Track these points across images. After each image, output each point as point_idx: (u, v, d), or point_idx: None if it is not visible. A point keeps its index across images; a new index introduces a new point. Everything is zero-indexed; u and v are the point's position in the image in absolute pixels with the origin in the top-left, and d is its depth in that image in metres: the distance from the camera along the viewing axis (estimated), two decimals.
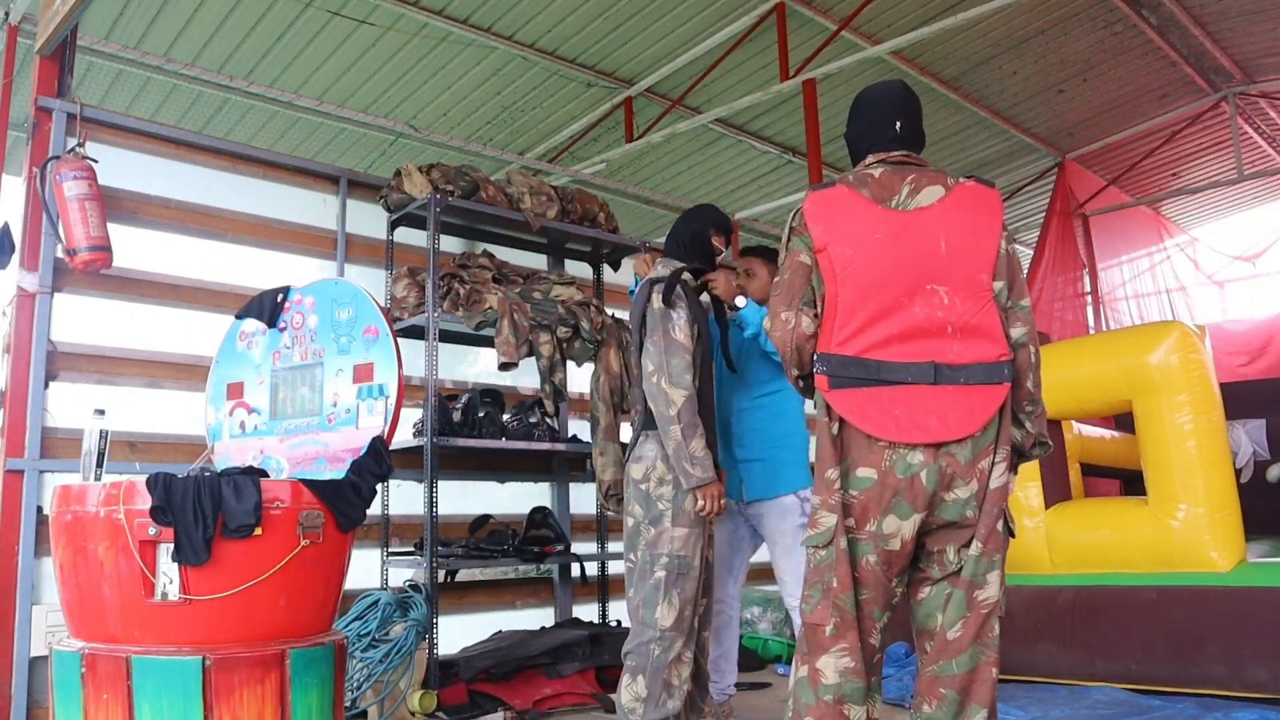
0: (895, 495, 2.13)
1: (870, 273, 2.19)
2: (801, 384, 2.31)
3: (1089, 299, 10.24)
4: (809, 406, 2.69)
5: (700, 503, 2.97)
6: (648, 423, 3.06)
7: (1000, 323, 2.21)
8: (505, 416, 4.57)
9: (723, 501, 3.03)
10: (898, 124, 2.38)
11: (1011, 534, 2.22)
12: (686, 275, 3.17)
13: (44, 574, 3.59)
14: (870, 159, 2.38)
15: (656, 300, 3.05)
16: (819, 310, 2.25)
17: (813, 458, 2.38)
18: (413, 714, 3.74)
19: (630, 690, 2.96)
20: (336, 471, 2.95)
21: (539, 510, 4.65)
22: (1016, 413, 2.27)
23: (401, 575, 4.39)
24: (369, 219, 4.73)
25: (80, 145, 3.80)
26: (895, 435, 2.12)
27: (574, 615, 5.00)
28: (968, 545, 2.17)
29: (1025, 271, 9.91)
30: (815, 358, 2.22)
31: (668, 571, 2.97)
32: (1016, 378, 2.22)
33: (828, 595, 2.15)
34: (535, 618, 4.92)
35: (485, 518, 4.58)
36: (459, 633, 4.52)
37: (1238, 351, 10.10)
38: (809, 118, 7.08)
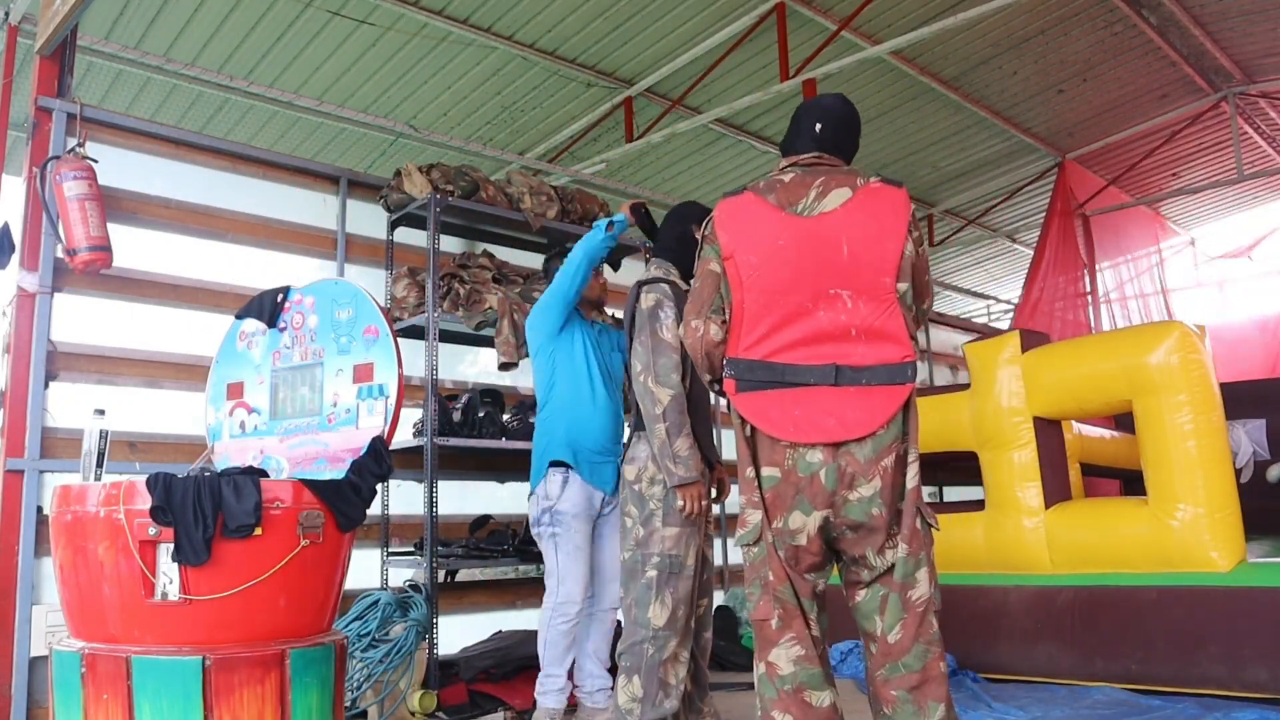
0: (797, 493, 2.19)
1: (774, 279, 2.24)
2: (715, 388, 2.39)
3: (1089, 299, 10.24)
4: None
5: (681, 502, 2.97)
6: (639, 423, 3.09)
7: (905, 324, 2.24)
8: (505, 416, 4.56)
9: (704, 503, 3.04)
10: (817, 126, 2.40)
11: (931, 529, 2.26)
12: (675, 275, 3.21)
13: (44, 574, 3.59)
14: (784, 162, 2.42)
15: (645, 300, 3.08)
16: (727, 317, 2.31)
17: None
18: (413, 714, 3.74)
19: (626, 691, 2.96)
20: (336, 471, 2.95)
21: None
22: None
23: (401, 575, 4.39)
24: (369, 219, 4.73)
25: (80, 145, 3.80)
26: (793, 435, 2.18)
27: None
28: (884, 547, 2.20)
29: (1026, 271, 9.99)
30: (725, 362, 2.29)
31: (659, 571, 2.99)
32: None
33: (767, 589, 2.23)
34: (535, 618, 4.91)
35: (485, 518, 4.58)
36: (459, 633, 4.52)
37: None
38: None
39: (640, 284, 3.14)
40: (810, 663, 2.19)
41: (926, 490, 7.32)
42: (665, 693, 2.95)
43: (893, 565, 2.20)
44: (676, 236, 3.29)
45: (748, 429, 2.26)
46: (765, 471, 2.22)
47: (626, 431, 3.49)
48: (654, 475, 3.03)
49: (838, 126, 2.42)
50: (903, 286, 2.25)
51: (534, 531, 3.55)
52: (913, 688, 2.18)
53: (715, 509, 3.47)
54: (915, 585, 2.19)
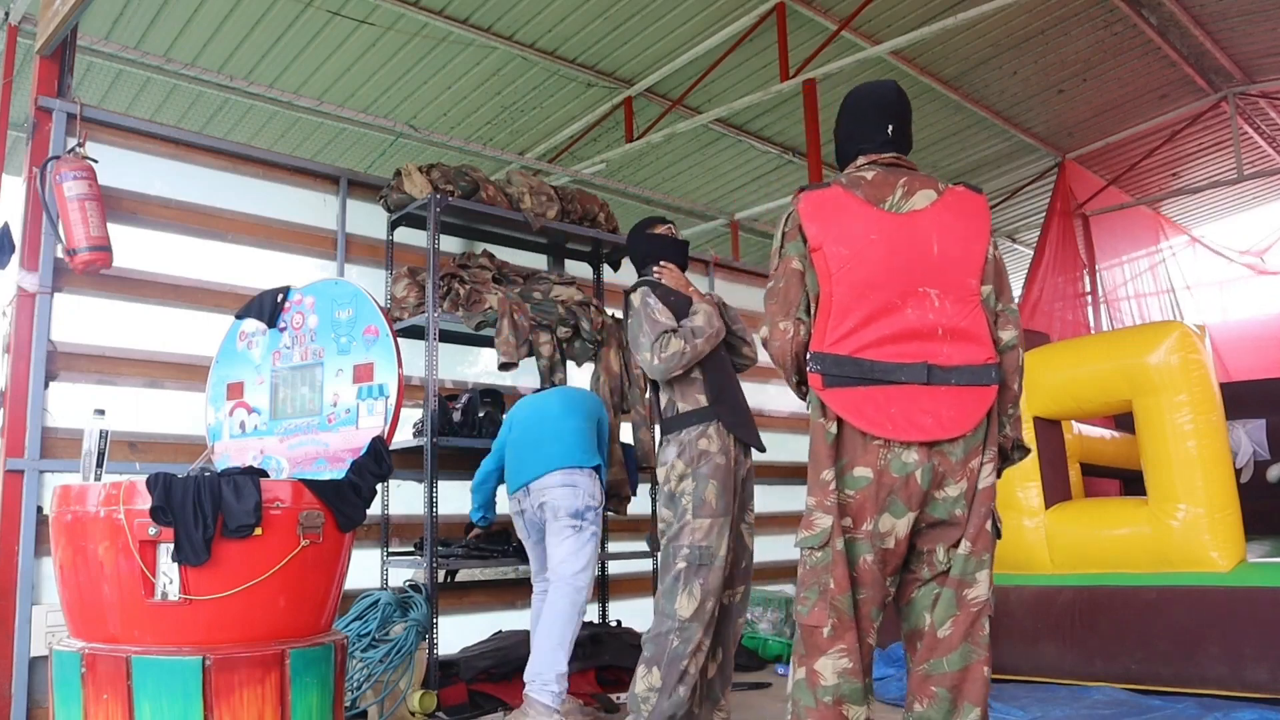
0: (890, 494, 2.14)
1: (865, 273, 2.19)
2: (802, 389, 2.31)
3: (1089, 299, 10.24)
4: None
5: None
6: (667, 426, 3.18)
7: (988, 326, 2.24)
8: (505, 416, 4.56)
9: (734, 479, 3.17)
10: (889, 127, 2.38)
11: (998, 534, 2.24)
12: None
13: (44, 574, 3.59)
14: (861, 160, 2.38)
15: (634, 300, 3.26)
16: (814, 309, 2.25)
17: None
18: (413, 714, 3.74)
19: (645, 681, 2.98)
20: (336, 471, 2.95)
21: None
22: (1000, 415, 2.28)
23: (401, 575, 4.39)
24: (369, 219, 4.73)
25: (80, 145, 3.80)
26: (892, 433, 2.12)
27: None
28: (956, 545, 2.19)
29: (1026, 271, 9.99)
30: (809, 356, 2.21)
31: (688, 563, 3.02)
32: (1004, 380, 2.25)
33: (824, 596, 2.15)
34: None
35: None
36: (459, 633, 4.52)
37: None
38: (809, 118, 7.08)
39: (627, 292, 3.35)
40: (855, 676, 2.13)
41: None
42: (683, 682, 2.97)
43: (951, 564, 2.18)
44: (641, 256, 3.50)
45: (834, 426, 2.18)
46: (856, 472, 2.15)
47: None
48: (682, 471, 3.09)
49: (907, 125, 2.42)
50: (985, 289, 2.26)
51: (570, 522, 3.60)
52: (952, 686, 2.15)
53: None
54: (974, 585, 2.17)
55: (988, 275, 2.27)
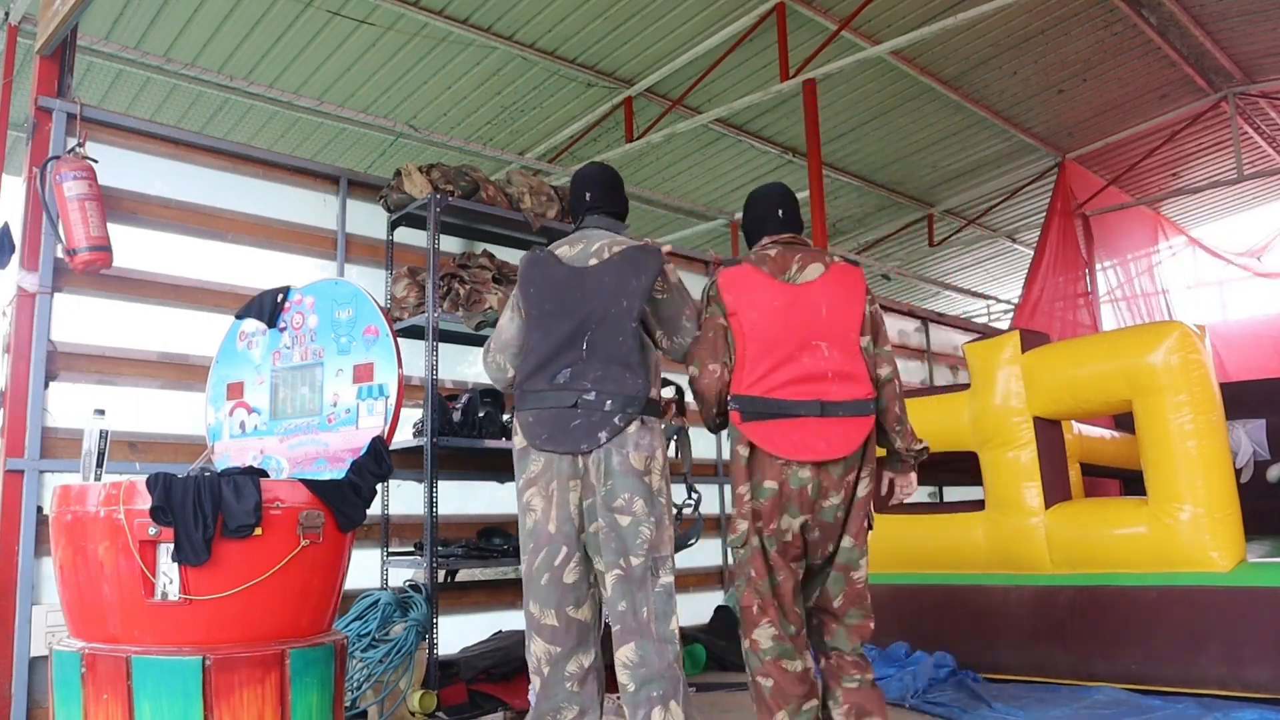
0: (788, 501, 2.75)
1: (772, 332, 2.81)
2: (718, 421, 2.89)
3: (1089, 299, 10.24)
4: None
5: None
6: (647, 409, 2.67)
7: (867, 369, 2.85)
8: (505, 416, 4.57)
9: None
10: (780, 211, 3.04)
11: (870, 527, 2.88)
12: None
13: (44, 574, 3.59)
14: (765, 240, 3.01)
15: (671, 275, 2.95)
16: (732, 359, 2.84)
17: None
18: (413, 714, 3.74)
19: None
20: (336, 471, 2.95)
21: None
22: (888, 431, 2.91)
23: (401, 575, 4.39)
24: (369, 219, 4.73)
25: (80, 145, 3.80)
26: (793, 455, 2.74)
27: None
28: (840, 539, 2.83)
29: (1026, 271, 9.98)
30: (730, 398, 2.80)
31: (674, 576, 2.67)
32: (886, 406, 2.88)
33: (750, 583, 2.80)
34: None
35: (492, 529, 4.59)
36: (459, 633, 4.52)
37: None
38: (809, 118, 7.09)
39: (658, 259, 2.81)
40: (783, 640, 2.76)
41: (926, 490, 7.41)
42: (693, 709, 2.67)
43: (838, 554, 2.83)
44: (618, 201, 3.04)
45: (747, 452, 2.78)
46: (766, 484, 2.75)
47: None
48: (662, 467, 2.70)
49: (795, 211, 3.05)
50: (865, 339, 2.87)
51: None
52: (850, 630, 2.88)
53: (713, 510, 3.39)
54: (858, 569, 2.85)
55: (865, 328, 2.88)
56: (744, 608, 2.82)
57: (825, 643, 2.88)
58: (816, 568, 2.86)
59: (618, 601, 2.61)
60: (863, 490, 2.81)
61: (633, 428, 2.64)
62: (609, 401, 2.64)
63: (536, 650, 2.69)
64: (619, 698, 2.76)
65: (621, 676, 2.60)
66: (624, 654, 2.60)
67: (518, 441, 2.76)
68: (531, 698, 3.37)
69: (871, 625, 2.88)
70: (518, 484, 2.77)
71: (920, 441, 2.98)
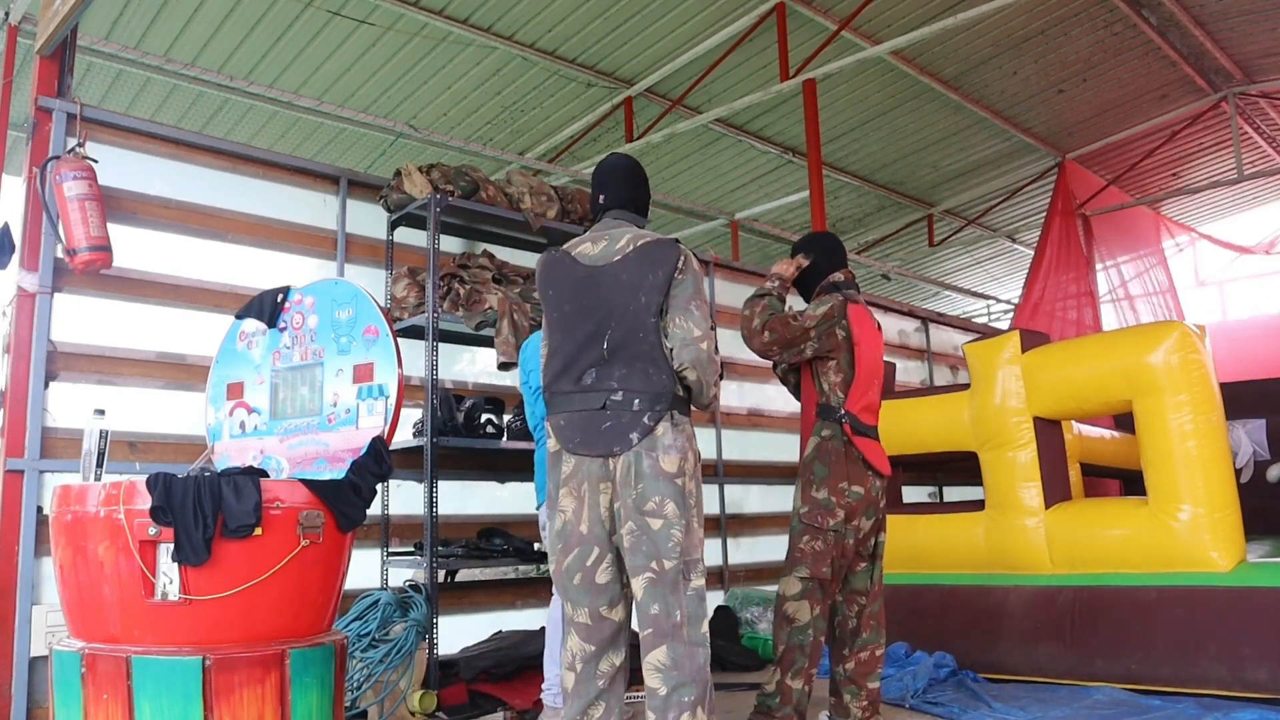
0: (869, 505, 3.43)
1: (873, 366, 3.48)
2: (843, 438, 3.41)
3: (1089, 299, 10.24)
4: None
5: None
6: (675, 404, 2.61)
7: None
8: (506, 417, 4.57)
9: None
10: (846, 257, 3.70)
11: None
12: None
13: (44, 574, 3.59)
14: (840, 278, 3.58)
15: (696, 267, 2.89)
16: (848, 376, 3.41)
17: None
18: (413, 714, 3.74)
19: None
20: (336, 471, 2.95)
21: None
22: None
23: (401, 575, 4.39)
24: (369, 219, 4.73)
25: (80, 145, 3.80)
26: (885, 469, 3.46)
27: None
28: (877, 536, 3.52)
29: (1026, 271, 9.96)
30: (844, 413, 3.41)
31: (704, 579, 2.63)
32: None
33: (822, 559, 3.35)
34: (535, 618, 4.92)
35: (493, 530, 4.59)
36: (459, 633, 4.52)
37: None
38: (809, 118, 7.09)
39: (689, 256, 2.75)
40: (824, 616, 3.41)
41: (926, 490, 7.44)
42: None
43: (876, 549, 3.53)
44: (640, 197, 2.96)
45: (844, 450, 3.40)
46: (854, 488, 3.38)
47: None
48: (693, 468, 2.64)
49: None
50: None
51: None
52: (878, 616, 3.52)
53: (713, 511, 3.37)
54: (882, 557, 3.55)
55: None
56: (810, 578, 3.34)
57: (863, 639, 3.43)
58: (864, 560, 3.47)
59: (649, 605, 2.55)
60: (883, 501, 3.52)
61: (662, 427, 2.59)
62: (636, 400, 2.59)
63: (571, 646, 2.68)
64: (629, 697, 2.76)
65: (652, 680, 2.52)
66: (655, 657, 2.52)
67: (551, 445, 2.75)
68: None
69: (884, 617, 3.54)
70: (547, 487, 2.78)
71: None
